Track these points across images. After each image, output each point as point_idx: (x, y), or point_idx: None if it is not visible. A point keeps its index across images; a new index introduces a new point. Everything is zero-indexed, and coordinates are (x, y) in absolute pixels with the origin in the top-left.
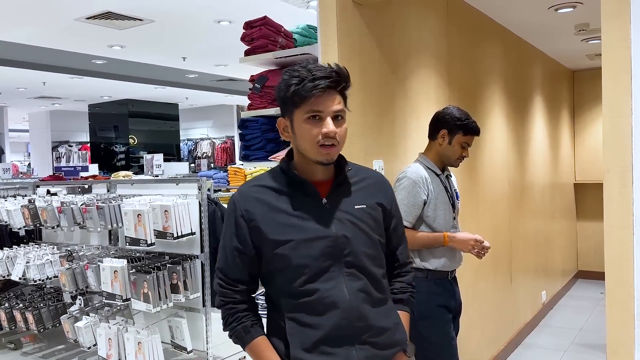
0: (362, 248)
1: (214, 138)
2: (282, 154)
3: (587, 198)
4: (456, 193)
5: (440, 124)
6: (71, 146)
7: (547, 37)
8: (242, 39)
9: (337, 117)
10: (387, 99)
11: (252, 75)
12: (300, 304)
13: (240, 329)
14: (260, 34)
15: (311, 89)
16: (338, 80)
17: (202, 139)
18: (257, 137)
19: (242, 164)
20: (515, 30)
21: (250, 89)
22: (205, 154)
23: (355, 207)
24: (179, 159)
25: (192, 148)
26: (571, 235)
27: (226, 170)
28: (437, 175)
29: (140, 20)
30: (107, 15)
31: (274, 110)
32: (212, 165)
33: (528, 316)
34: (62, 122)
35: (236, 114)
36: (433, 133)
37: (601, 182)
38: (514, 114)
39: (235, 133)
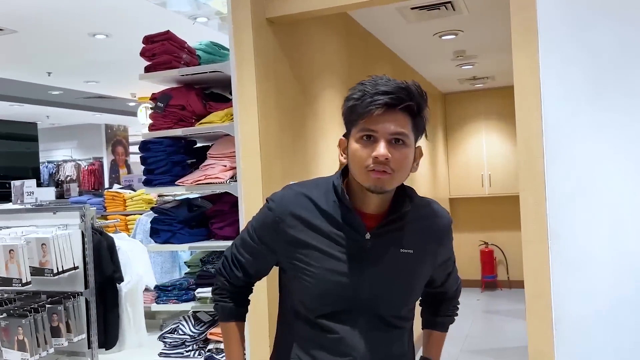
0: (395, 299)
1: (79, 160)
2: (191, 177)
3: (461, 211)
4: None
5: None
6: None
7: (427, 62)
8: (142, 54)
9: (396, 141)
10: (299, 119)
11: (153, 94)
12: (314, 337)
13: (220, 305)
14: (163, 50)
15: (368, 104)
16: (402, 98)
17: (65, 161)
18: (162, 160)
19: (145, 188)
20: (400, 53)
21: (152, 109)
22: (69, 177)
23: (402, 250)
24: (39, 184)
25: (54, 171)
26: None
27: (100, 195)
28: None
29: (0, 30)
30: None
31: (180, 131)
32: (78, 189)
33: (417, 329)
34: None
35: (104, 133)
36: None
37: (471, 197)
38: None
39: (105, 154)
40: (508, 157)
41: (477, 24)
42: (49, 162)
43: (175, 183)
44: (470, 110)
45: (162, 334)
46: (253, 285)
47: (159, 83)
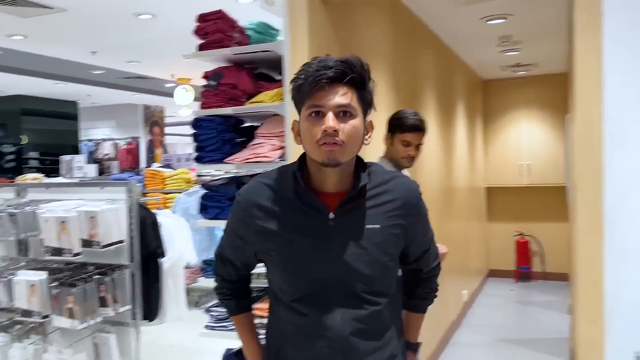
0: (365, 275)
1: (117, 139)
2: (240, 156)
3: (496, 201)
4: None
5: (387, 127)
6: None
7: (471, 47)
8: (196, 32)
9: (344, 113)
10: None
11: (205, 72)
12: (293, 320)
13: (225, 303)
14: (216, 28)
15: (312, 81)
16: (344, 71)
17: (104, 140)
18: (213, 138)
19: (195, 166)
20: (444, 38)
21: (204, 87)
22: (107, 156)
23: (367, 226)
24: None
25: (93, 149)
26: (483, 235)
27: (139, 174)
28: None
29: (50, 8)
30: (13, 2)
31: (231, 109)
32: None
33: (453, 315)
34: None
35: (142, 113)
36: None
37: (508, 186)
38: (442, 119)
39: (142, 134)
40: (549, 147)
41: (527, 7)
42: (88, 140)
43: (225, 161)
44: (510, 98)
45: (209, 307)
46: (249, 277)
47: (211, 61)
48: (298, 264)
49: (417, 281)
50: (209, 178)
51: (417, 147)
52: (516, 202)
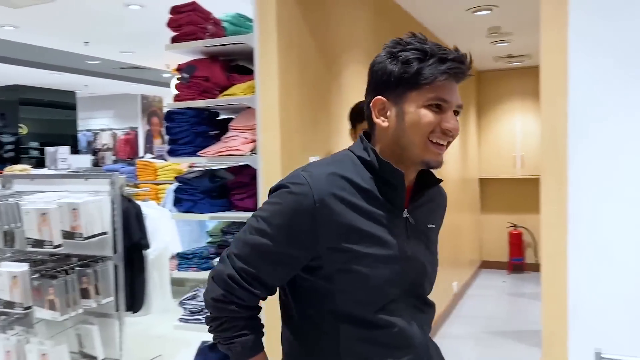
0: (434, 276)
1: (115, 129)
2: (212, 149)
3: (490, 192)
4: None
5: (349, 122)
6: None
7: (461, 38)
8: (169, 24)
9: (457, 113)
10: (322, 93)
11: (179, 64)
12: (369, 337)
13: (237, 344)
14: (189, 20)
15: (444, 71)
16: (467, 70)
17: (102, 130)
18: (185, 131)
19: (171, 158)
20: (433, 30)
21: (177, 79)
22: (106, 146)
23: (428, 225)
24: (76, 151)
25: (92, 139)
26: (476, 227)
27: (134, 164)
28: None
29: None
30: None
31: (203, 102)
32: (113, 157)
33: (442, 307)
34: None
35: (140, 104)
36: None
37: (502, 178)
38: None
39: (140, 124)
40: None
41: None
42: (87, 130)
43: (197, 154)
44: (505, 89)
45: (182, 300)
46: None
47: (185, 54)
48: (383, 266)
49: None
50: (201, 169)
51: None
52: (510, 193)
